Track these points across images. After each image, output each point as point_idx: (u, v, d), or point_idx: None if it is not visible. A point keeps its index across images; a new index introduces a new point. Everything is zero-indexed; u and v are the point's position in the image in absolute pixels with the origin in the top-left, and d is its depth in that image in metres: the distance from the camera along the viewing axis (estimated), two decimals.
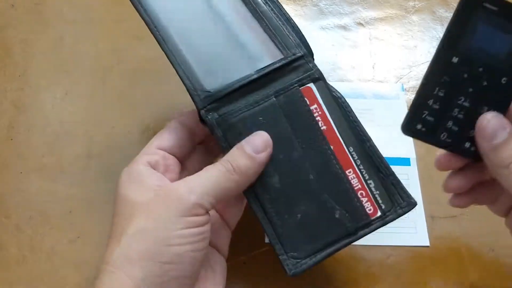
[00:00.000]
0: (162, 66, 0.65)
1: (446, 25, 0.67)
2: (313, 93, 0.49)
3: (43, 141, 0.60)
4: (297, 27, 0.53)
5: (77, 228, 0.55)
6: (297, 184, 0.46)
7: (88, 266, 0.54)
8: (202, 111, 0.47)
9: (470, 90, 0.43)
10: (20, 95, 0.63)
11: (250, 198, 0.46)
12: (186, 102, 0.61)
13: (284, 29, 0.52)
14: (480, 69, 0.43)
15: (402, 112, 0.61)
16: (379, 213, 0.46)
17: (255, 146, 0.45)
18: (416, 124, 0.44)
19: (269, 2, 0.53)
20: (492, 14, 0.42)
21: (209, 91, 0.47)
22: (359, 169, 0.47)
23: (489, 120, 0.42)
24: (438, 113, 0.44)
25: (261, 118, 0.47)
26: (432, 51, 0.66)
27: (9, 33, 0.68)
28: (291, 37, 0.51)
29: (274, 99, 0.48)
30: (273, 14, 0.53)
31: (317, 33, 0.69)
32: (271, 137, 0.46)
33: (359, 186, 0.47)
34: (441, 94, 0.44)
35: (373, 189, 0.47)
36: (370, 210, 0.46)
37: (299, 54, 0.50)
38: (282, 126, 0.47)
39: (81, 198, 0.57)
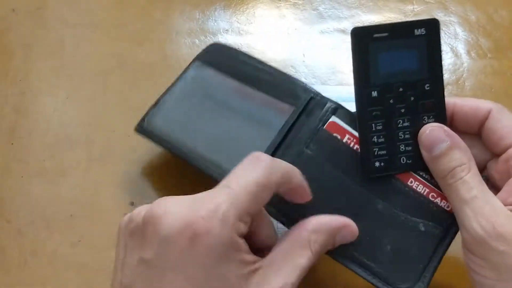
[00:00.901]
0: (162, 70, 0.66)
1: (445, 29, 0.69)
2: (338, 125, 0.49)
3: (44, 145, 0.61)
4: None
5: (78, 232, 0.55)
6: (371, 218, 0.46)
7: (89, 269, 0.54)
8: None
9: (402, 110, 0.46)
10: (21, 99, 0.64)
11: (337, 256, 0.45)
12: None
13: (282, 81, 0.54)
14: (401, 89, 0.46)
15: None
16: None
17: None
18: (374, 163, 0.46)
19: (255, 64, 0.56)
20: (385, 40, 0.45)
21: None
22: (417, 174, 0.47)
23: (428, 132, 0.44)
24: (387, 143, 0.46)
25: (304, 175, 0.44)
26: None
27: (10, 37, 0.69)
28: (292, 85, 0.53)
29: (307, 150, 0.48)
30: (264, 73, 0.56)
31: (317, 37, 0.70)
32: (323, 186, 0.46)
33: (427, 190, 0.46)
34: (379, 127, 0.46)
35: None
36: (448, 207, 0.46)
37: (308, 98, 0.52)
38: (328, 170, 0.47)
39: (82, 201, 0.57)
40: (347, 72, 0.66)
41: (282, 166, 0.40)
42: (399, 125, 0.46)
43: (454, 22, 0.71)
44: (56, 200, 0.57)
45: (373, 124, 0.46)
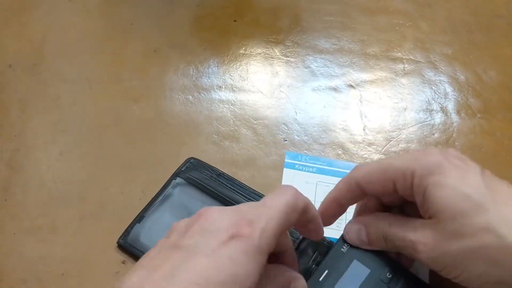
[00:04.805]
0: (157, 127, 0.67)
1: (435, 88, 0.70)
2: None
3: (37, 202, 0.61)
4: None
5: None
6: None
7: None
8: None
9: None
10: (16, 155, 0.64)
11: None
12: (178, 165, 0.62)
13: None
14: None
15: None
16: None
17: None
18: None
19: (248, 196, 0.60)
20: (331, 277, 0.48)
21: None
22: None
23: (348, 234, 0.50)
24: None
25: None
26: (422, 113, 0.68)
27: (6, 93, 0.69)
28: None
29: None
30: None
31: (309, 95, 0.71)
32: None
33: None
34: None
35: None
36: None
37: (301, 236, 0.55)
38: None
39: (74, 260, 0.57)
40: (338, 130, 0.67)
41: (304, 196, 0.45)
42: None
43: (444, 81, 0.72)
44: (48, 258, 0.57)
45: None
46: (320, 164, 0.64)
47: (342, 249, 0.49)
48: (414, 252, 0.45)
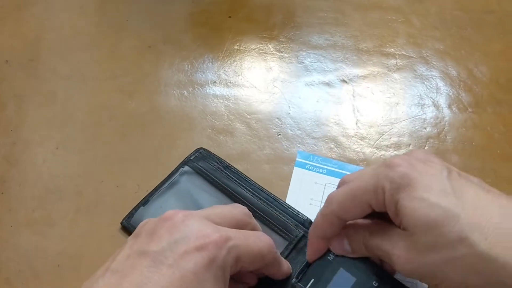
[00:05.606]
0: (151, 122, 0.67)
1: (427, 83, 0.71)
2: None
3: (34, 196, 0.62)
4: (283, 202, 0.59)
5: (65, 283, 0.56)
6: None
7: None
8: None
9: None
10: (12, 149, 0.65)
11: None
12: (172, 159, 0.63)
13: (278, 214, 0.58)
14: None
15: None
16: None
17: None
18: None
19: (253, 191, 0.60)
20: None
21: None
22: None
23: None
24: None
25: None
26: (413, 108, 0.69)
27: (2, 88, 0.70)
28: (287, 220, 0.57)
29: (299, 284, 0.50)
30: (261, 202, 0.59)
31: (302, 89, 0.71)
32: None
33: None
34: None
35: None
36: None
37: (300, 235, 0.55)
38: None
39: (69, 252, 0.58)
40: (331, 124, 0.68)
41: (277, 253, 0.47)
42: None
43: (435, 76, 0.73)
44: (44, 251, 0.58)
45: None
46: (331, 166, 0.64)
47: (328, 257, 0.50)
48: (390, 263, 0.45)
